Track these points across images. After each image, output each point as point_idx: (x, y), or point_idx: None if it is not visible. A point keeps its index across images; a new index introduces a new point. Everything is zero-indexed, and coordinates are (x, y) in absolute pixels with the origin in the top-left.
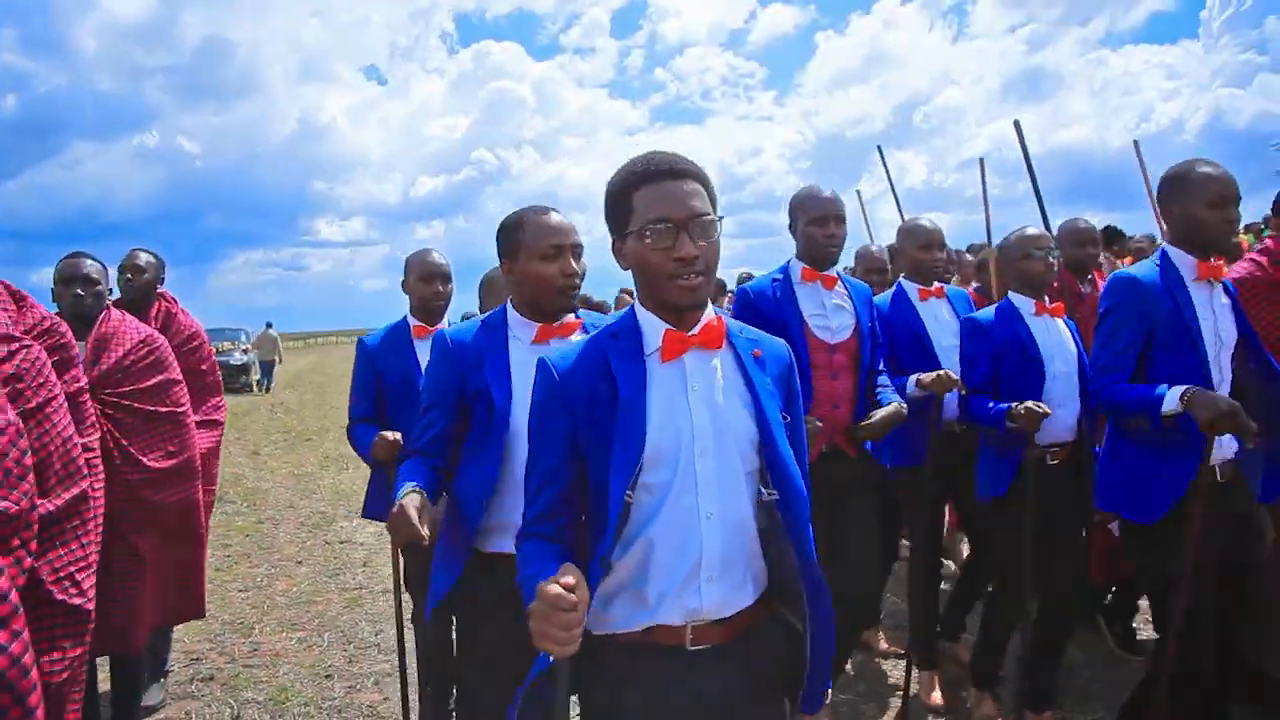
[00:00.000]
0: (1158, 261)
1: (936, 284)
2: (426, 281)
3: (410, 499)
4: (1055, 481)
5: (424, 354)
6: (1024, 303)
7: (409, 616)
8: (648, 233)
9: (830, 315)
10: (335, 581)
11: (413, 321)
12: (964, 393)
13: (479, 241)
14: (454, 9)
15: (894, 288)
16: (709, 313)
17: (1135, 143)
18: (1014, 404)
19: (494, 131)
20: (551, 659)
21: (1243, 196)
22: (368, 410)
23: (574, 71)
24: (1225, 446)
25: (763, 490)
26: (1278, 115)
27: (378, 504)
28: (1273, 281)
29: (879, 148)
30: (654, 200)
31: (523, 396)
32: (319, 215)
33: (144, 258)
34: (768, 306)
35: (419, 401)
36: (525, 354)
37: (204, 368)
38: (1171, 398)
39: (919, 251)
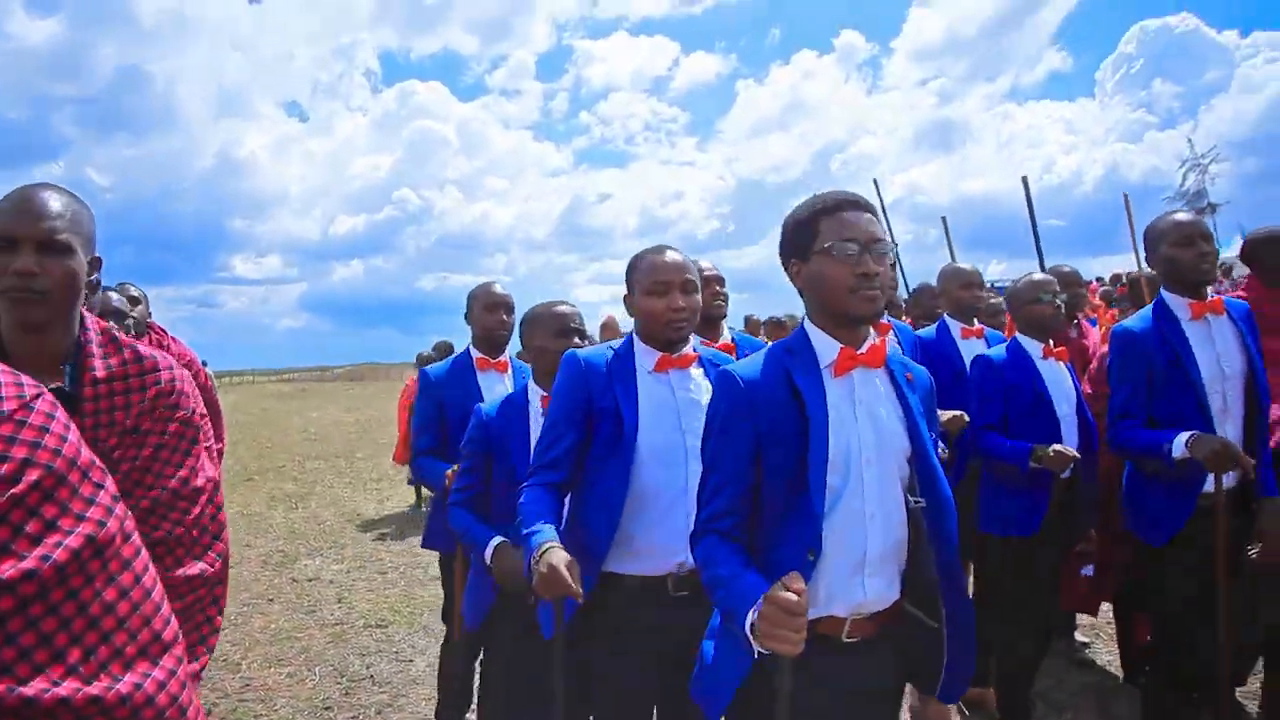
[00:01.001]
0: (1153, 309)
1: (977, 324)
2: (491, 311)
3: (558, 556)
4: (1050, 516)
5: (487, 385)
6: (1032, 345)
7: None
8: (834, 250)
9: None
10: (313, 617)
11: (475, 354)
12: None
13: (400, 280)
14: (378, 47)
15: (937, 324)
16: (871, 336)
17: (1024, 179)
18: (1039, 445)
19: (417, 171)
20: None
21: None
22: (432, 442)
23: (499, 113)
24: (1230, 475)
25: (910, 498)
26: (1166, 170)
27: (443, 536)
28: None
29: (875, 181)
30: (841, 225)
31: (646, 420)
32: (235, 252)
33: (135, 290)
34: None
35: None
36: (648, 380)
37: (209, 398)
38: (1179, 445)
39: (961, 290)
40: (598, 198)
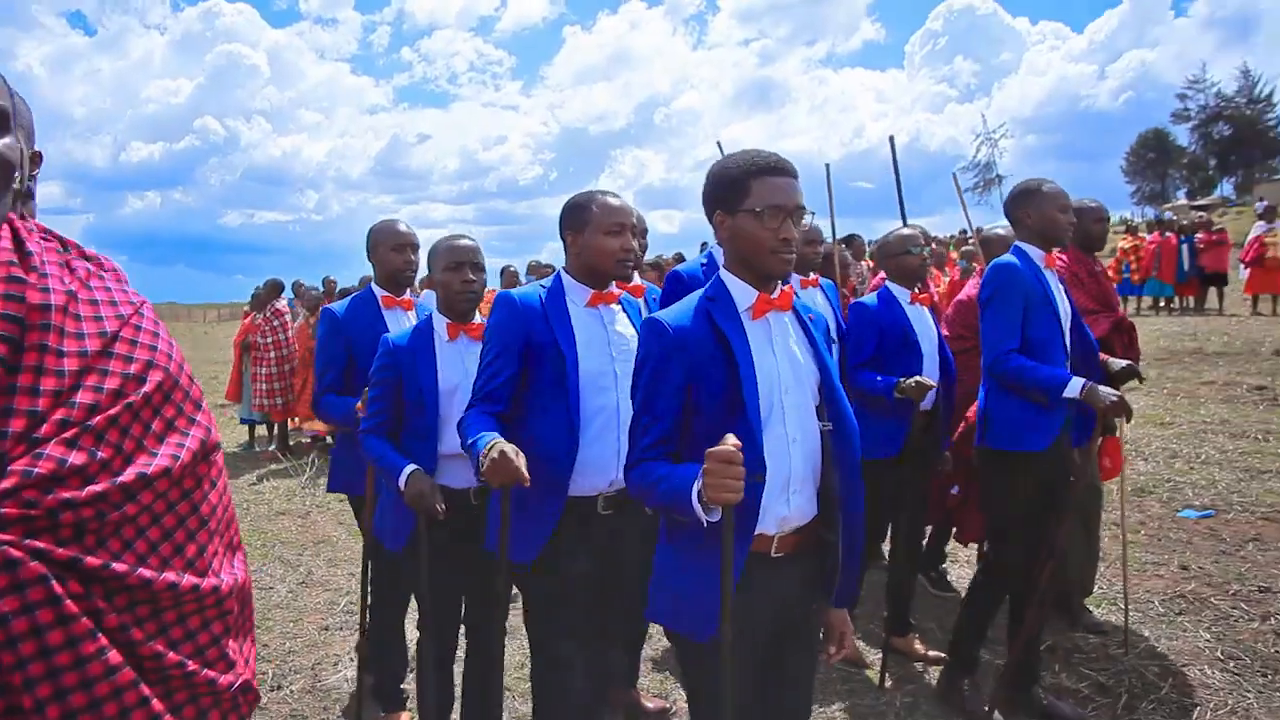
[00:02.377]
0: (1015, 254)
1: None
2: (399, 251)
3: (506, 446)
4: (912, 440)
5: (394, 322)
6: (901, 292)
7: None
8: (763, 214)
9: None
10: None
11: (380, 292)
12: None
13: (202, 216)
14: None
15: (880, 290)
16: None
17: (890, 138)
18: (902, 378)
19: (222, 99)
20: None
21: (937, 208)
22: (337, 380)
23: (314, 42)
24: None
25: (820, 423)
26: (962, 142)
27: (348, 475)
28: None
29: (719, 143)
30: (770, 190)
31: (582, 350)
32: None
33: None
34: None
35: None
36: (581, 314)
37: None
38: (1074, 387)
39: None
40: (417, 138)
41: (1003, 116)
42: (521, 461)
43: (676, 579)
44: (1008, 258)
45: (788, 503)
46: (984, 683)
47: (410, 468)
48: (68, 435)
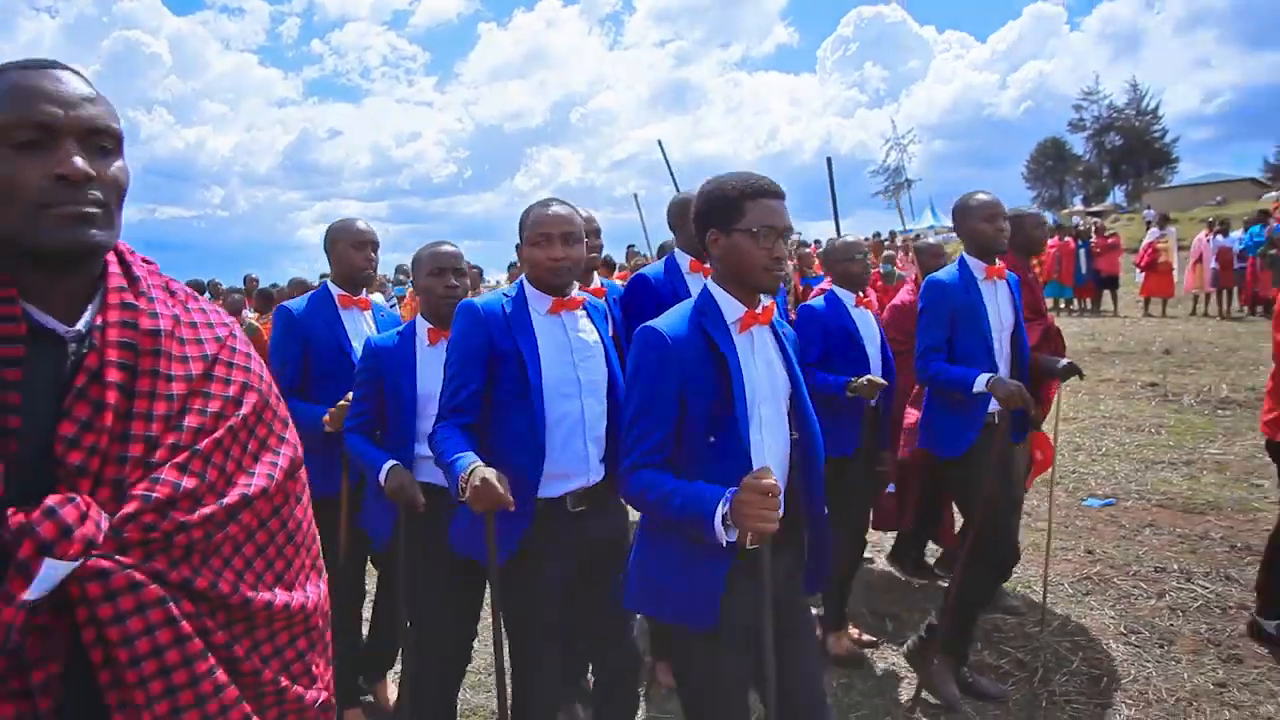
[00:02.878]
0: (958, 266)
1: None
2: (359, 249)
3: (488, 472)
4: (863, 438)
5: (351, 323)
6: (846, 295)
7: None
8: (758, 234)
9: None
10: None
11: (337, 290)
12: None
13: None
14: None
15: (827, 294)
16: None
17: (828, 160)
18: (853, 378)
19: (120, 88)
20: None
21: (848, 211)
22: (294, 380)
23: (219, 31)
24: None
25: (791, 431)
26: (871, 146)
27: (326, 481)
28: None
29: (659, 142)
30: (764, 212)
31: (545, 358)
32: None
33: None
34: (665, 291)
35: (350, 370)
36: (543, 322)
37: None
38: (980, 382)
39: (981, 224)
40: (328, 133)
41: (911, 122)
42: (504, 486)
43: (665, 573)
44: (944, 273)
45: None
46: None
47: (390, 462)
48: (179, 460)
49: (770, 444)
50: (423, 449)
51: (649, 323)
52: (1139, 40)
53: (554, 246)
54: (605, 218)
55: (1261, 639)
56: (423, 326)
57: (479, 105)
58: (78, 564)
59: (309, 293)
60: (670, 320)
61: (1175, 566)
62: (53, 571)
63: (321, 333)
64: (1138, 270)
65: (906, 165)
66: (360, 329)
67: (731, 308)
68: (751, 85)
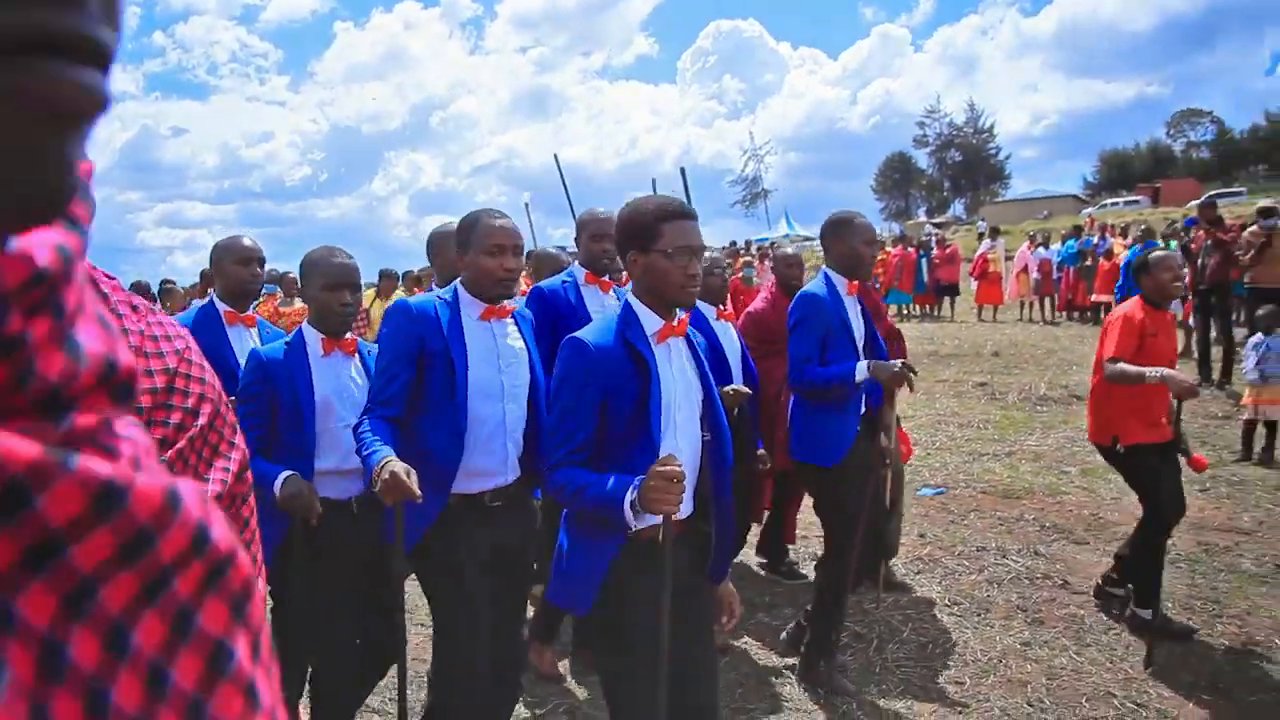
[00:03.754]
0: (824, 281)
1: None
2: (245, 265)
3: (398, 465)
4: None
5: (236, 340)
6: (708, 309)
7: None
8: (674, 255)
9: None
10: None
11: (223, 307)
12: None
13: None
14: None
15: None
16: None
17: (682, 170)
18: (721, 387)
19: None
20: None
21: (707, 220)
22: None
23: None
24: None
25: (702, 433)
26: (730, 156)
27: None
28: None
29: (555, 155)
30: (680, 233)
31: (474, 361)
32: None
33: None
34: (561, 304)
35: (234, 386)
36: (474, 326)
37: None
38: (862, 369)
39: (862, 246)
40: (171, 131)
41: (767, 134)
42: (413, 480)
43: (570, 561)
44: (816, 286)
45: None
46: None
47: (286, 472)
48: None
49: (683, 445)
50: (321, 464)
51: (576, 334)
52: (975, 64)
53: (507, 257)
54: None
55: (1145, 629)
56: (314, 336)
57: (335, 106)
58: None
59: (195, 306)
60: (595, 331)
61: (993, 545)
62: None
63: (207, 349)
64: (972, 279)
65: (763, 176)
66: (246, 345)
67: (650, 320)
68: (613, 94)
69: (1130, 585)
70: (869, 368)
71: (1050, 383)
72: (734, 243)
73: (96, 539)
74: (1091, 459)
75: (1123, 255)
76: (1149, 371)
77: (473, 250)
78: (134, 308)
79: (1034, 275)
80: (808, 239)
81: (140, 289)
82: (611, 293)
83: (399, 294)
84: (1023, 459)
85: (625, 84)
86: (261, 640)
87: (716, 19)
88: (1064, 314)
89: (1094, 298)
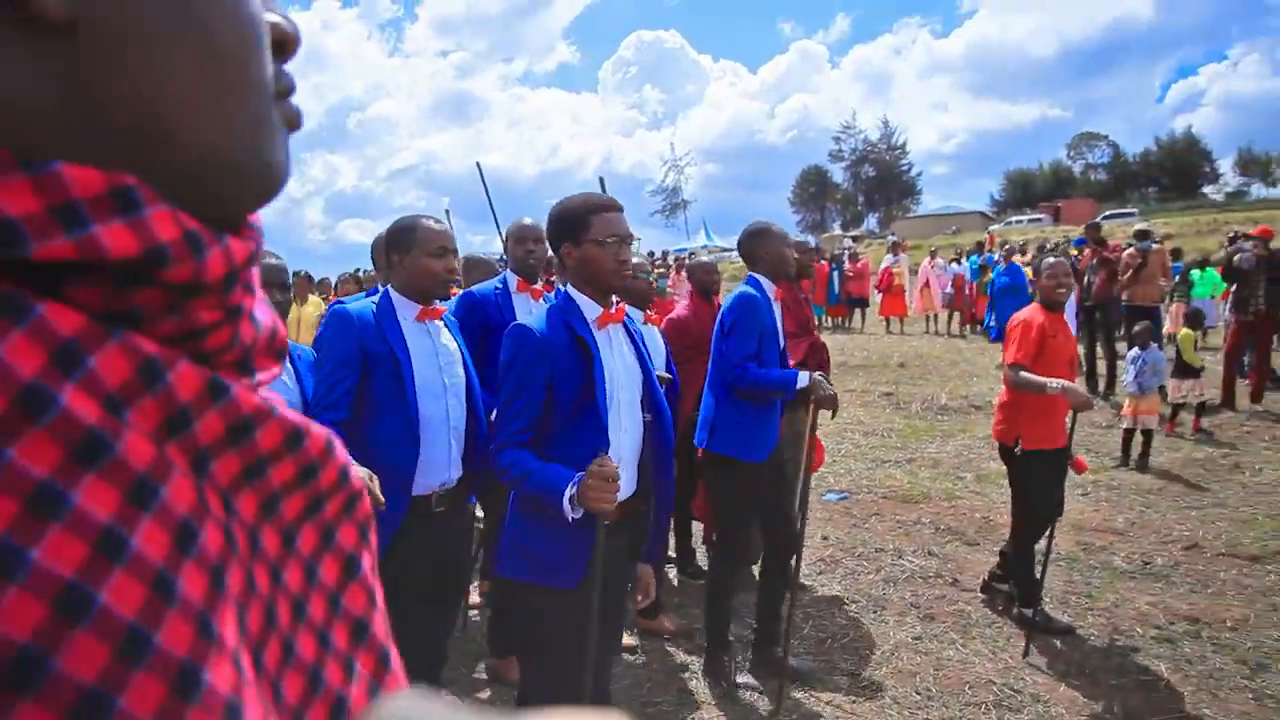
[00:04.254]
0: (752, 285)
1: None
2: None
3: (360, 470)
4: None
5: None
6: (635, 313)
7: None
8: (606, 243)
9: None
10: None
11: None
12: None
13: None
14: None
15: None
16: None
17: (600, 179)
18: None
19: None
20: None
21: (635, 232)
22: None
23: None
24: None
25: (644, 414)
26: (650, 165)
27: None
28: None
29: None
30: (608, 223)
31: (416, 361)
32: None
33: None
34: (491, 309)
35: None
36: (411, 328)
37: None
38: (803, 379)
39: (786, 249)
40: None
41: (687, 145)
42: (376, 485)
43: (535, 543)
44: (748, 290)
45: (620, 479)
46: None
47: None
48: None
49: (627, 425)
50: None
51: (519, 322)
52: (888, 82)
53: (449, 258)
54: (383, 227)
55: (1026, 625)
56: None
57: None
58: None
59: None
60: (537, 319)
61: (891, 546)
62: None
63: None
64: (877, 292)
65: (683, 186)
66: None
67: (590, 308)
68: (534, 101)
69: (1012, 582)
70: (810, 380)
71: (951, 393)
72: (652, 253)
73: (285, 464)
74: (986, 465)
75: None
76: (1050, 383)
77: (415, 252)
78: None
79: (946, 289)
80: (725, 250)
81: None
82: (541, 299)
83: (315, 298)
84: (922, 465)
85: (547, 91)
86: (374, 562)
87: (638, 29)
88: (967, 326)
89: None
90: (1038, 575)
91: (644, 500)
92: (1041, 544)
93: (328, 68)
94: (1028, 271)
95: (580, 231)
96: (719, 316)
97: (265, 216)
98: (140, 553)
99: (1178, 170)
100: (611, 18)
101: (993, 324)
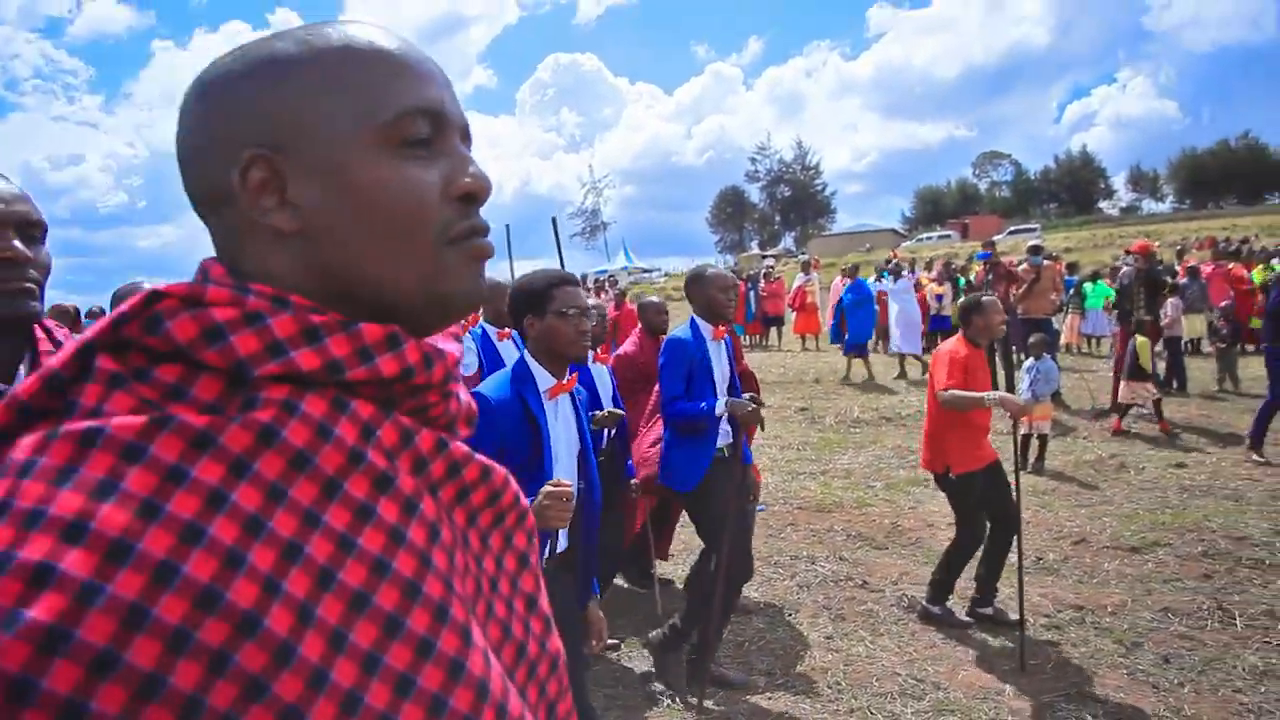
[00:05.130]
0: (690, 327)
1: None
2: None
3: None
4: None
5: None
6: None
7: None
8: (568, 315)
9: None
10: None
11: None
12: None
13: None
14: None
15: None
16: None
17: (553, 220)
18: (594, 412)
19: None
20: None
21: (541, 253)
22: None
23: None
24: (725, 435)
25: (578, 481)
26: (569, 187)
27: None
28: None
29: (554, 219)
30: (568, 297)
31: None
32: None
33: None
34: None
35: None
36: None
37: None
38: (720, 405)
39: (716, 293)
40: None
41: (606, 167)
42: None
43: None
44: (681, 331)
45: (560, 535)
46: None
47: None
48: None
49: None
50: None
51: (475, 388)
52: (801, 103)
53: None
54: None
55: (931, 620)
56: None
57: (154, 129)
58: None
59: None
60: (492, 387)
61: (805, 554)
62: None
63: None
64: (791, 310)
65: (602, 208)
66: None
67: (544, 378)
68: None
69: (931, 582)
70: (726, 404)
71: (864, 406)
72: (583, 275)
73: (480, 490)
74: (895, 474)
75: (930, 288)
76: (987, 396)
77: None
78: None
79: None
80: (646, 271)
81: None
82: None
83: None
84: (835, 476)
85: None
86: (539, 559)
87: (555, 52)
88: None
89: None
90: (997, 581)
91: (574, 553)
92: (1012, 557)
93: None
94: (875, 288)
95: (544, 304)
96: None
97: (178, 243)
98: (411, 540)
99: (1075, 187)
100: (528, 41)
101: (845, 337)
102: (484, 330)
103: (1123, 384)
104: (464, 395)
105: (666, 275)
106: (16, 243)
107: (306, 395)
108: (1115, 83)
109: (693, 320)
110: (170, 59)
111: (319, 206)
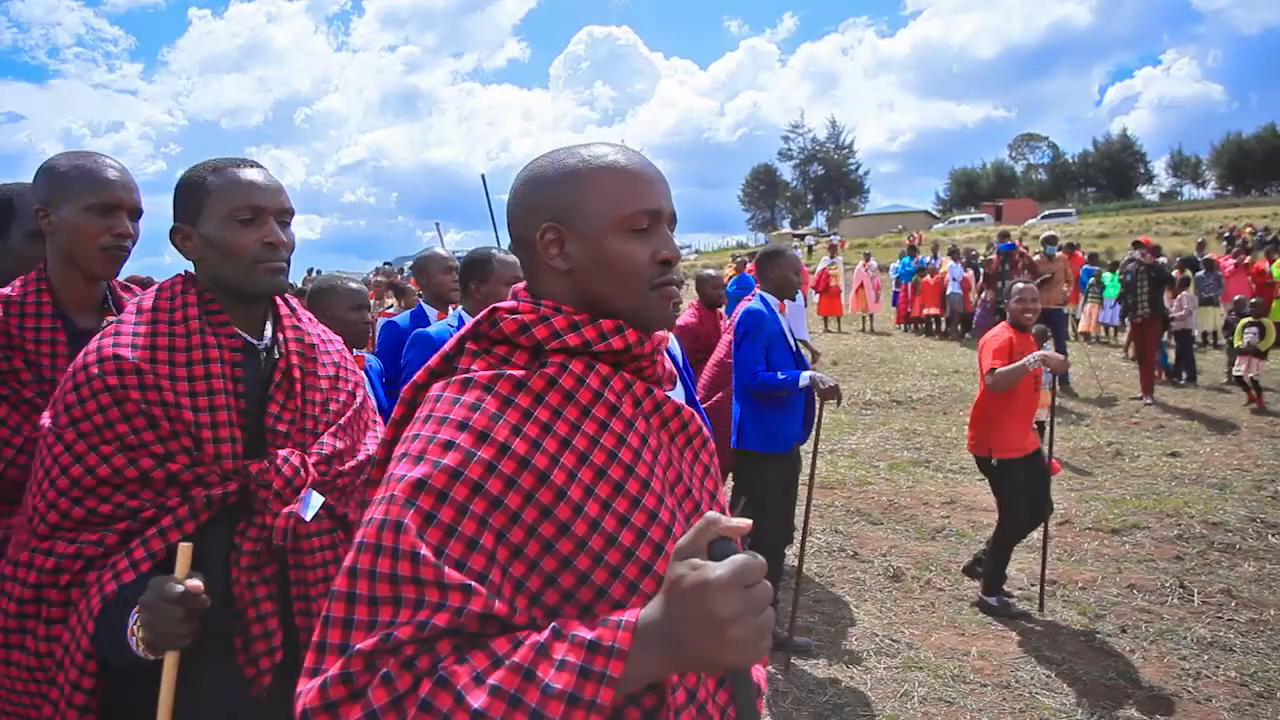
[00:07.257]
0: (761, 301)
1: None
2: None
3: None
4: None
5: None
6: None
7: None
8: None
9: None
10: None
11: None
12: None
13: None
14: None
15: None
16: None
17: (483, 176)
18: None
19: None
20: None
21: None
22: None
23: None
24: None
25: None
26: None
27: None
28: None
29: (483, 175)
30: (510, 267)
31: None
32: None
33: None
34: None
35: None
36: None
37: None
38: (805, 379)
39: (792, 274)
40: (6, 116)
41: (637, 142)
42: None
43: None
44: (756, 304)
45: None
46: None
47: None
48: (332, 430)
49: None
50: None
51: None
52: (836, 81)
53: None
54: (332, 224)
55: (990, 612)
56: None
57: (192, 98)
58: (324, 499)
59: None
60: (440, 327)
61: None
62: (317, 499)
63: None
64: (814, 292)
65: None
66: None
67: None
68: (485, 96)
69: (984, 574)
70: (810, 379)
71: (876, 389)
72: None
73: (675, 421)
74: (898, 455)
75: (947, 272)
76: (1027, 360)
77: (492, 281)
78: (310, 318)
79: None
80: (681, 248)
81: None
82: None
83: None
84: (841, 455)
85: (498, 87)
86: (718, 468)
87: (589, 24)
88: (901, 326)
89: (925, 311)
90: (1008, 565)
91: None
92: (1037, 536)
93: (272, 62)
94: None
95: (482, 275)
96: (733, 329)
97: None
98: (630, 442)
99: (1114, 171)
100: (562, 13)
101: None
102: (420, 310)
103: (1240, 360)
104: (667, 363)
105: (697, 252)
106: (278, 230)
107: (572, 360)
108: (1160, 64)
109: (761, 296)
110: (207, 27)
111: (581, 259)
